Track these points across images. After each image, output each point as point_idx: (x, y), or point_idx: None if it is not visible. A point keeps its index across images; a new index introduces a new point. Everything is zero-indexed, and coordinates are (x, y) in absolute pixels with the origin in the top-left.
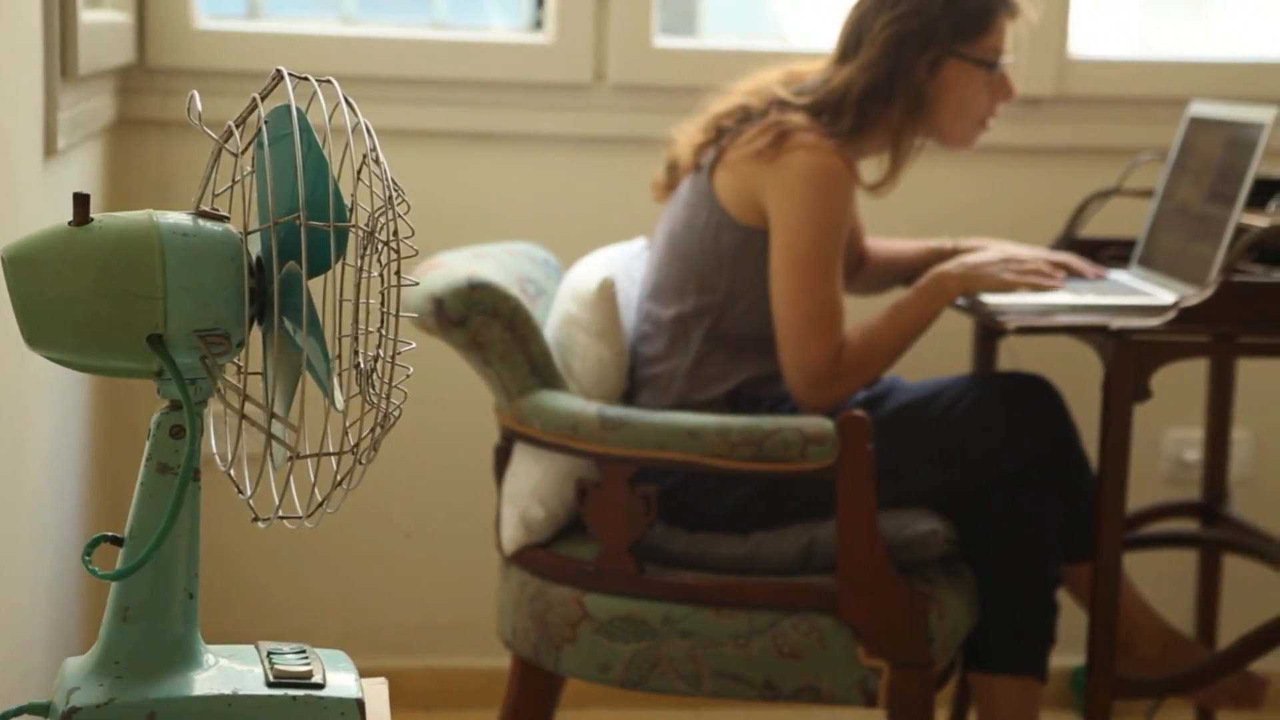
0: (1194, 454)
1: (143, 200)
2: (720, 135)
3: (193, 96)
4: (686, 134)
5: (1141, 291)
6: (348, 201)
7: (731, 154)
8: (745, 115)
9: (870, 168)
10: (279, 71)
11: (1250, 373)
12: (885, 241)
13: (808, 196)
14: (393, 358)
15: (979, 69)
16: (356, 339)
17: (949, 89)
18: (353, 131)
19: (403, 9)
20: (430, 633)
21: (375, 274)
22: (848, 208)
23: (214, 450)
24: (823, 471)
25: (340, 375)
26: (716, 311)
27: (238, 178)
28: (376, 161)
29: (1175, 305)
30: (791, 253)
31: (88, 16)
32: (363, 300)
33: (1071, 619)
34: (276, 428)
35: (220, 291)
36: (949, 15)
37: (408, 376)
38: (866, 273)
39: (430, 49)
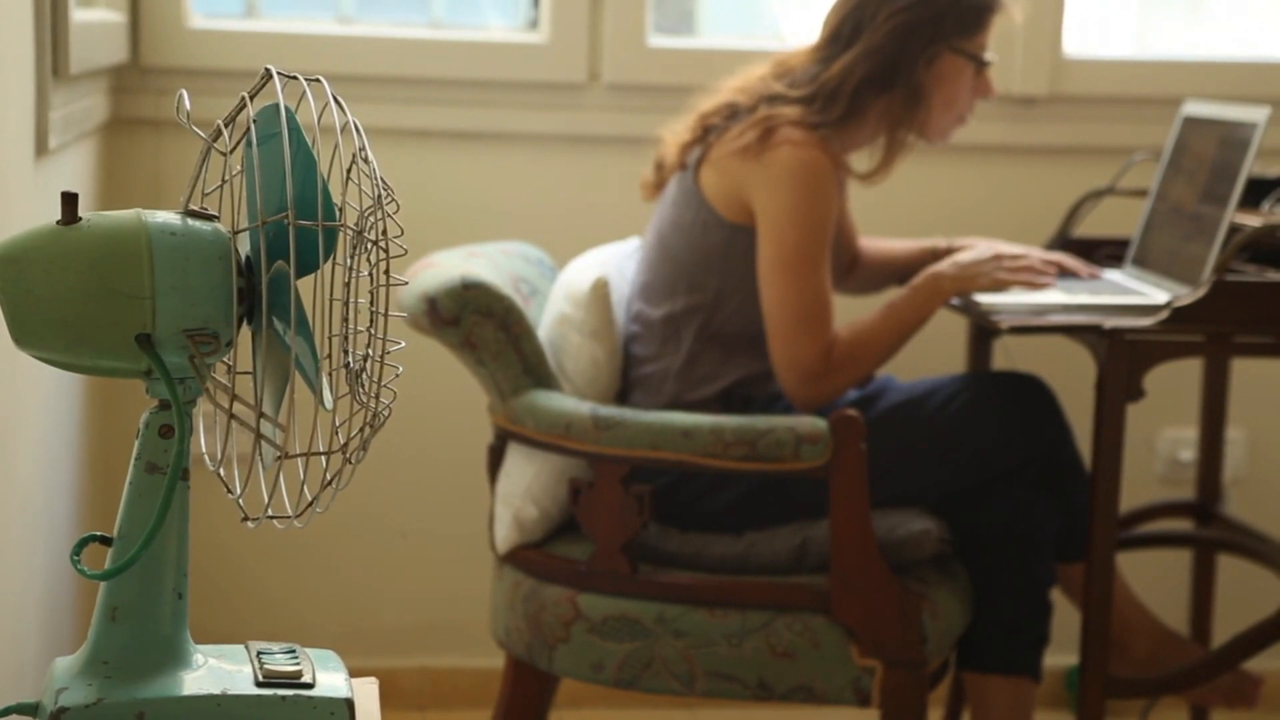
0: (1188, 454)
1: (136, 200)
2: (707, 133)
3: (181, 95)
4: (674, 133)
5: (1135, 291)
6: (337, 201)
7: (717, 151)
8: (732, 112)
9: (859, 161)
10: (268, 70)
11: (1244, 372)
12: (879, 241)
13: (793, 192)
14: (382, 357)
15: (969, 65)
16: (346, 338)
17: (941, 83)
18: (342, 130)
19: (400, 8)
20: (424, 632)
21: (364, 273)
22: (834, 203)
23: (203, 450)
24: (816, 471)
25: (330, 375)
26: (707, 310)
27: (227, 177)
28: (366, 160)
29: (1169, 305)
30: (779, 249)
31: (80, 15)
32: (352, 299)
33: (1065, 618)
34: (265, 427)
35: (209, 291)
36: (955, 9)
37: (397, 376)
38: (860, 273)
39: (426, 48)
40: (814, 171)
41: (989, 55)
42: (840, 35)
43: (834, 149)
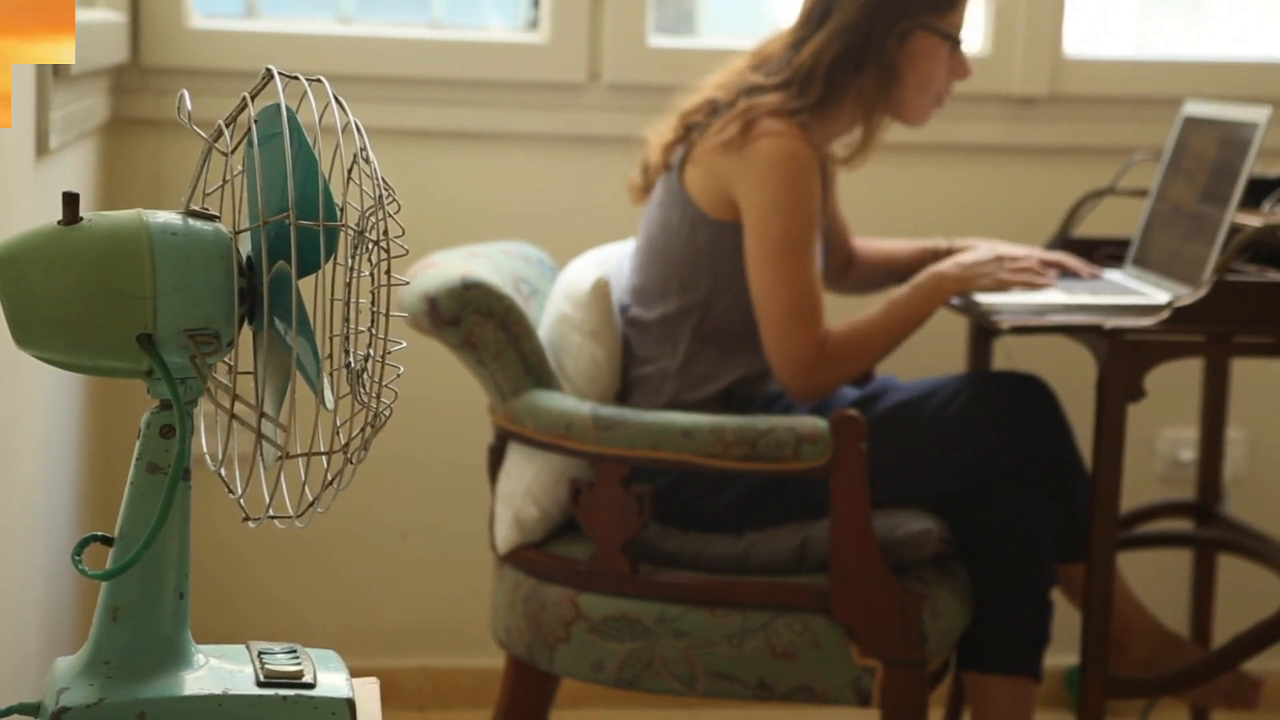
0: (1189, 454)
1: (137, 200)
2: (689, 132)
3: (182, 95)
4: (658, 133)
5: (1136, 291)
6: (338, 201)
7: (699, 148)
8: (712, 109)
9: (841, 150)
10: (269, 70)
11: (1245, 372)
12: (877, 241)
13: (776, 183)
14: (383, 357)
15: (944, 44)
16: (347, 338)
17: (915, 62)
18: (343, 131)
19: (400, 8)
20: (424, 632)
21: (366, 273)
22: (816, 192)
23: (204, 450)
24: (816, 471)
25: (331, 375)
26: (701, 310)
27: (228, 177)
28: (367, 160)
29: (1169, 305)
30: (765, 242)
31: (81, 16)
32: (353, 299)
33: (1066, 618)
34: (266, 427)
35: (210, 291)
36: None
37: (398, 376)
38: (858, 273)
39: (426, 48)
40: (796, 162)
41: (963, 34)
42: (812, 18)
43: (815, 138)
